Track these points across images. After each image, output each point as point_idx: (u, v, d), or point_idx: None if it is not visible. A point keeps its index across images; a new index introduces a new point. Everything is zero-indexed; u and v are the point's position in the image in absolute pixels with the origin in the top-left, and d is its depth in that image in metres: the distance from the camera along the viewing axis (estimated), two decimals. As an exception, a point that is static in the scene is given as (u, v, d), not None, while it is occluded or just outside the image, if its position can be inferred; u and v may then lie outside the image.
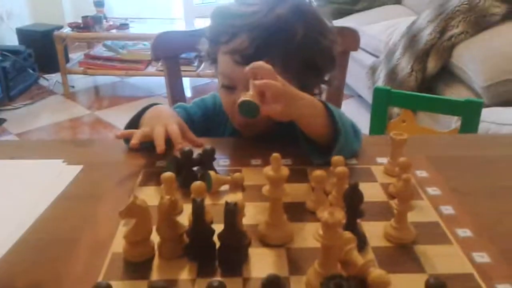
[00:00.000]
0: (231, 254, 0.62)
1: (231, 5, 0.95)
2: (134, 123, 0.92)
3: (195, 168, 0.81)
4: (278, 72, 0.87)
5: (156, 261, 0.63)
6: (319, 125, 0.83)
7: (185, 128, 0.86)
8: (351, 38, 1.27)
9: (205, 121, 1.04)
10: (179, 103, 1.11)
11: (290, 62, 0.89)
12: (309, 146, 0.85)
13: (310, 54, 0.91)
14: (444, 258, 0.63)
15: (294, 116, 0.81)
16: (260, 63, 0.78)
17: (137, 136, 0.83)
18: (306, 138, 0.85)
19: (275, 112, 0.78)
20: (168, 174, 0.72)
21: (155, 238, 0.64)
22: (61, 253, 0.65)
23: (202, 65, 3.39)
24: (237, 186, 0.79)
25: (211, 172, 0.77)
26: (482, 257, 0.63)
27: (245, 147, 0.95)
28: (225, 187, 0.79)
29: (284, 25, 0.88)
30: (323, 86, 1.02)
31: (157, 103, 0.96)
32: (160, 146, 0.80)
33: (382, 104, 1.55)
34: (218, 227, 0.62)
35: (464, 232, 0.68)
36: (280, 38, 0.87)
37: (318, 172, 0.71)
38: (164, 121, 0.84)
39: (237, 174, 0.78)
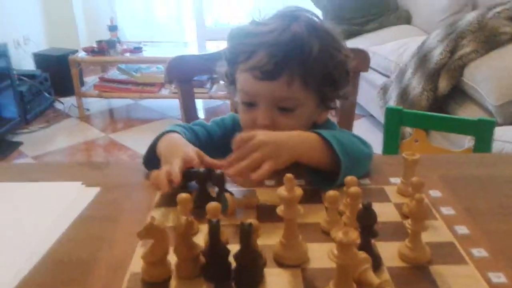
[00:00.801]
0: (247, 274, 0.62)
1: (247, 26, 0.98)
2: (150, 153, 0.94)
3: (212, 189, 0.82)
4: (297, 87, 0.92)
5: (173, 281, 0.64)
6: (318, 158, 0.85)
7: (201, 153, 0.87)
8: (361, 59, 1.28)
9: (224, 140, 1.06)
10: (199, 120, 1.12)
11: (308, 77, 0.92)
12: (314, 175, 0.87)
13: (327, 68, 0.94)
14: (460, 279, 0.63)
15: (291, 158, 0.83)
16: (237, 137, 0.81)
17: (164, 184, 0.81)
18: (312, 168, 0.87)
19: (271, 166, 0.79)
20: (184, 195, 0.74)
21: (172, 258, 0.65)
22: (80, 274, 0.66)
23: (214, 87, 3.43)
24: (252, 207, 0.80)
25: (227, 195, 0.78)
26: (498, 278, 0.62)
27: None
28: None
29: (300, 42, 0.90)
30: (338, 101, 1.03)
31: (169, 130, 0.96)
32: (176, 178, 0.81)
33: (394, 124, 1.56)
34: (234, 248, 0.63)
35: (479, 252, 0.68)
36: (297, 54, 0.90)
37: (332, 193, 0.72)
38: (179, 154, 0.85)
39: (251, 196, 0.79)
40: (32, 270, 0.68)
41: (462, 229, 0.73)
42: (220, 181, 0.81)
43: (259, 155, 0.79)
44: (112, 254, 0.70)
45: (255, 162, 0.79)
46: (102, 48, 3.56)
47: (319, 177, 0.86)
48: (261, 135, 0.81)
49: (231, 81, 1.03)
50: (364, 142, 0.95)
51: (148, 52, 3.68)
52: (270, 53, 0.91)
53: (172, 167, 0.81)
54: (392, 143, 1.57)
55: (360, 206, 0.64)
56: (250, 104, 0.97)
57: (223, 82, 1.10)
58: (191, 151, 0.86)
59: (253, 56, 0.93)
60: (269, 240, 0.69)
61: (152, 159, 0.93)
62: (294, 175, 0.65)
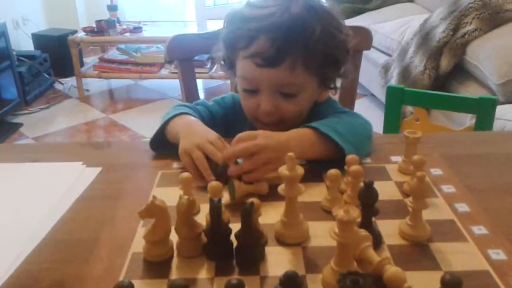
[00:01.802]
0: (248, 253, 0.63)
1: (244, 9, 0.95)
2: (159, 136, 0.93)
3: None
4: (300, 71, 0.90)
5: (175, 260, 0.64)
6: (319, 152, 0.85)
7: (222, 141, 0.85)
8: (364, 37, 1.27)
9: (226, 119, 1.05)
10: (200, 100, 1.11)
11: (311, 59, 0.90)
12: (320, 165, 0.85)
13: (328, 49, 0.92)
14: (459, 256, 0.63)
15: (298, 156, 0.81)
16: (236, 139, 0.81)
17: (195, 176, 0.81)
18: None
19: (272, 170, 0.78)
20: (185, 175, 0.74)
21: (174, 237, 0.65)
22: (82, 253, 0.67)
23: (215, 67, 3.41)
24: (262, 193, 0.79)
25: (235, 181, 0.77)
26: (497, 254, 0.63)
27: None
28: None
29: (301, 24, 0.88)
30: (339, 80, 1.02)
31: (182, 112, 0.94)
32: (208, 176, 0.80)
33: (395, 103, 1.55)
34: (235, 227, 0.63)
35: (479, 230, 0.68)
36: (299, 36, 0.88)
37: (333, 171, 0.72)
38: (201, 141, 0.84)
39: (261, 185, 0.78)
40: (34, 250, 0.68)
41: (462, 207, 0.73)
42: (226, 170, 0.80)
43: (261, 159, 0.79)
44: (114, 234, 0.71)
45: (257, 165, 0.79)
46: (102, 28, 3.52)
47: (324, 165, 0.85)
48: (262, 138, 0.80)
49: (230, 65, 1.01)
50: (364, 122, 0.94)
51: (147, 32, 3.65)
52: (271, 39, 0.88)
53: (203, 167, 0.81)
54: (393, 122, 1.57)
55: (362, 184, 0.64)
56: (251, 91, 0.95)
57: (222, 68, 1.07)
58: (214, 137, 0.84)
59: (254, 42, 0.90)
60: (270, 218, 0.69)
61: (160, 141, 0.93)
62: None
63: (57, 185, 0.85)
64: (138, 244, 0.67)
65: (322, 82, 0.97)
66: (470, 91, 2.39)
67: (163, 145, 0.93)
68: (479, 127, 1.42)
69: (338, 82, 1.02)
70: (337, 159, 0.82)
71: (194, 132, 0.87)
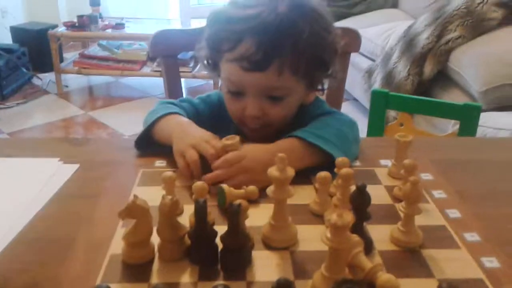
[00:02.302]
0: (234, 256, 0.60)
1: (228, 9, 0.90)
2: (145, 135, 0.90)
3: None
4: (287, 75, 0.86)
5: (156, 264, 0.61)
6: (308, 162, 0.82)
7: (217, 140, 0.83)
8: (352, 39, 1.26)
9: (212, 118, 1.02)
10: (185, 97, 1.07)
11: (299, 62, 0.86)
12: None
13: (317, 51, 0.88)
14: (452, 263, 0.61)
15: None
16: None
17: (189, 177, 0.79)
18: None
19: (264, 182, 0.73)
20: (168, 174, 0.71)
21: (155, 239, 0.62)
22: (57, 254, 0.63)
23: (198, 66, 3.37)
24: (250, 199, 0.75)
25: (225, 186, 0.73)
26: (491, 262, 0.61)
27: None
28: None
29: (289, 25, 0.84)
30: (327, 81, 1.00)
31: (172, 112, 0.91)
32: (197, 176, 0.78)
33: (380, 107, 1.54)
34: (221, 229, 0.60)
35: (472, 236, 0.66)
36: (287, 39, 0.84)
37: (323, 174, 0.69)
38: (196, 141, 0.81)
39: (250, 187, 0.75)
40: (5, 249, 0.64)
41: (454, 213, 0.72)
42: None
43: (245, 179, 0.76)
44: (91, 234, 0.67)
45: (242, 184, 0.76)
46: (83, 23, 3.45)
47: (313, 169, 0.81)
48: (248, 161, 0.77)
49: (213, 66, 0.97)
50: (351, 124, 0.92)
51: (130, 29, 3.58)
52: (257, 41, 0.84)
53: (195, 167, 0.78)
54: (377, 127, 1.55)
55: (352, 187, 0.61)
56: (237, 94, 0.91)
57: (205, 68, 1.02)
58: (209, 137, 0.82)
59: (239, 45, 0.85)
60: (257, 221, 0.66)
61: (147, 141, 0.90)
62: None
63: (31, 182, 0.81)
64: (117, 246, 0.63)
65: (309, 84, 0.94)
66: (453, 97, 2.41)
67: (149, 145, 0.90)
68: (463, 134, 1.41)
69: (326, 83, 1.00)
70: (326, 164, 0.80)
71: (188, 133, 0.83)
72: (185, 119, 0.89)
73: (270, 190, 0.63)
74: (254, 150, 0.80)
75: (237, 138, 0.79)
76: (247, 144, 0.81)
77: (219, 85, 1.04)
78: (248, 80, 0.87)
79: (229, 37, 0.87)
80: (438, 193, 0.77)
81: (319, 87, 0.98)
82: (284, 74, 0.86)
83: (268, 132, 0.93)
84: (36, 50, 3.65)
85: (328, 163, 0.79)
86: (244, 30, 0.85)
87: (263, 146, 0.81)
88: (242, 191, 0.74)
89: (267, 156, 0.77)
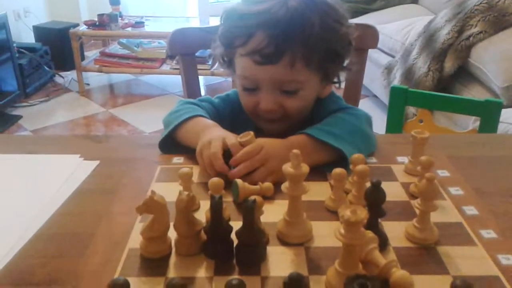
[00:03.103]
0: (249, 252, 0.61)
1: (240, 5, 0.92)
2: (169, 137, 0.91)
3: None
4: (300, 67, 0.87)
5: (173, 258, 0.62)
6: (318, 159, 0.82)
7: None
8: (370, 35, 1.25)
9: (232, 117, 1.02)
10: (205, 96, 1.08)
11: (312, 55, 0.87)
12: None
13: (330, 43, 0.88)
14: (468, 260, 0.61)
15: None
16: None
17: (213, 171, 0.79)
18: None
19: (274, 180, 0.76)
20: (185, 170, 0.72)
21: (172, 234, 0.63)
22: (77, 248, 0.65)
23: (216, 64, 3.39)
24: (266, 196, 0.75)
25: (238, 181, 0.74)
26: (508, 260, 0.61)
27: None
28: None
29: (300, 18, 0.85)
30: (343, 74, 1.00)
31: (197, 115, 0.91)
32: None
33: (399, 104, 1.53)
34: (236, 225, 0.61)
35: (489, 233, 0.66)
36: (299, 32, 0.85)
37: (338, 170, 0.70)
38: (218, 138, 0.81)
39: (266, 184, 0.75)
40: (28, 243, 0.66)
41: (470, 210, 0.71)
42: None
43: (265, 171, 0.77)
44: (110, 229, 0.69)
45: (262, 176, 0.77)
46: (103, 22, 3.50)
47: (327, 167, 0.82)
48: (266, 151, 0.78)
49: (228, 64, 0.98)
50: (365, 120, 0.93)
51: (150, 27, 3.62)
52: (269, 35, 0.85)
53: (216, 160, 0.78)
54: (396, 123, 1.54)
55: (369, 183, 0.62)
56: (251, 89, 0.92)
57: (221, 66, 1.03)
58: (232, 137, 0.82)
59: (251, 39, 0.86)
60: (272, 217, 0.67)
61: (171, 143, 0.90)
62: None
63: (53, 178, 0.83)
64: (135, 240, 0.64)
65: (324, 77, 0.94)
66: (474, 93, 2.37)
67: (173, 146, 0.91)
68: (483, 130, 1.40)
69: (342, 76, 0.99)
70: (340, 161, 0.80)
71: (212, 134, 0.83)
72: (210, 122, 0.89)
73: (284, 186, 0.64)
74: (270, 143, 0.81)
75: (251, 134, 0.80)
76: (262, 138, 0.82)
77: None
78: (261, 74, 0.88)
79: (241, 32, 0.88)
80: (455, 190, 0.76)
81: (335, 79, 0.98)
82: (296, 67, 0.86)
83: (285, 125, 0.93)
84: (58, 49, 3.72)
85: (341, 161, 0.79)
86: (255, 24, 0.86)
87: (277, 140, 0.82)
88: (257, 187, 0.75)
89: (283, 150, 0.79)
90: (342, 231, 0.53)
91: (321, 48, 0.87)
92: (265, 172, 0.77)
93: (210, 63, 3.36)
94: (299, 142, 0.83)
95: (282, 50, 0.85)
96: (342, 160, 0.80)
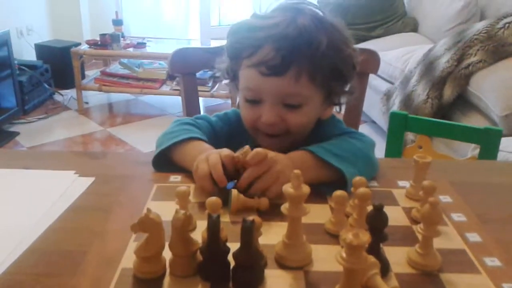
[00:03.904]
0: (246, 274, 0.59)
1: (250, 20, 0.93)
2: (162, 155, 0.90)
3: None
4: (305, 82, 0.88)
5: (167, 279, 0.60)
6: (317, 176, 0.82)
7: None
8: (371, 60, 1.25)
9: (229, 135, 1.02)
10: (202, 114, 1.08)
11: (316, 72, 0.87)
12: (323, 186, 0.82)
13: (335, 62, 0.89)
14: (472, 288, 0.59)
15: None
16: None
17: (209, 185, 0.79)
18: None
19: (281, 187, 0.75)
20: (182, 189, 0.70)
21: (167, 254, 0.61)
22: (69, 266, 0.63)
23: (217, 86, 3.39)
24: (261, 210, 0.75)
25: (234, 191, 0.73)
26: (513, 289, 0.59)
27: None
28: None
29: (308, 35, 0.86)
30: (344, 98, 0.99)
31: (194, 137, 0.90)
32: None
33: (398, 129, 1.53)
34: (233, 246, 0.59)
35: (492, 261, 0.64)
36: (305, 48, 0.86)
37: (339, 193, 0.68)
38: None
39: (263, 199, 0.75)
40: (19, 259, 0.64)
41: (473, 237, 0.70)
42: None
43: (271, 175, 0.77)
44: (103, 248, 0.67)
45: (268, 182, 0.77)
46: (105, 42, 3.52)
47: (326, 188, 0.81)
48: (279, 164, 0.78)
49: (233, 77, 0.99)
50: (368, 144, 0.92)
51: (151, 48, 3.64)
52: (276, 47, 0.86)
53: (216, 172, 0.77)
54: (395, 149, 1.53)
55: (371, 207, 0.60)
56: (254, 102, 0.92)
57: (224, 79, 1.04)
58: (227, 151, 0.81)
59: (259, 51, 0.88)
60: (271, 239, 0.65)
61: (164, 161, 0.89)
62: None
63: (47, 194, 0.81)
64: (128, 260, 0.62)
65: (327, 97, 0.94)
66: (473, 122, 2.38)
67: (166, 165, 0.90)
68: (483, 158, 1.38)
69: (344, 100, 0.99)
70: (339, 182, 0.79)
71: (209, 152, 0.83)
72: (208, 146, 0.88)
73: (284, 207, 0.62)
74: (277, 155, 0.80)
75: (247, 147, 0.79)
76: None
77: (237, 102, 1.04)
78: (265, 86, 0.88)
79: (250, 44, 0.89)
80: (457, 216, 0.75)
81: (337, 101, 0.98)
82: (301, 81, 0.87)
83: (285, 142, 0.92)
84: (59, 67, 3.73)
85: (341, 183, 0.78)
86: (264, 37, 0.87)
87: (279, 153, 0.82)
88: (253, 200, 0.74)
89: (290, 162, 0.80)
90: (344, 254, 0.51)
91: (326, 65, 0.88)
92: (271, 178, 0.77)
93: (210, 85, 3.37)
94: (300, 157, 0.83)
95: (289, 63, 0.85)
96: (341, 181, 0.79)
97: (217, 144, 0.87)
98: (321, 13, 0.93)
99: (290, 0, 0.95)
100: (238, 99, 1.04)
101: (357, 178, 0.72)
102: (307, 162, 0.83)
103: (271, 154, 0.79)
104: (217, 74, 1.06)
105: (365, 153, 0.88)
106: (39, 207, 0.77)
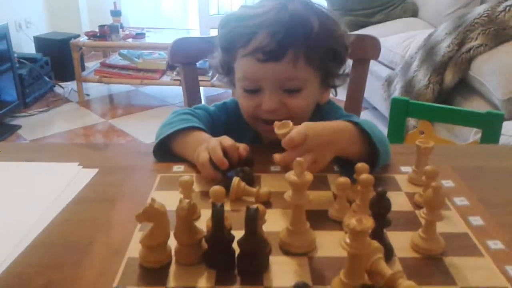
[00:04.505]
0: (251, 261, 0.59)
1: (238, 11, 0.94)
2: (162, 145, 0.89)
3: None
4: (302, 65, 0.88)
5: (173, 268, 0.61)
6: (357, 150, 0.80)
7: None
8: (372, 46, 1.24)
9: (227, 125, 1.02)
10: (201, 104, 1.08)
11: (312, 54, 0.88)
12: (344, 169, 0.82)
13: (329, 42, 0.90)
14: (476, 271, 0.59)
15: (334, 154, 0.78)
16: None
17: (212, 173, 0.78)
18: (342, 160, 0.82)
19: (324, 163, 0.75)
20: (186, 178, 0.71)
21: (172, 243, 0.62)
22: (75, 257, 0.63)
23: (217, 75, 3.38)
24: (261, 201, 0.74)
25: (235, 180, 0.73)
26: (516, 271, 0.59)
27: (265, 153, 0.91)
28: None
29: (300, 19, 0.87)
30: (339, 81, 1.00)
31: (193, 126, 0.89)
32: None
33: (400, 115, 1.52)
34: (238, 234, 0.60)
35: (495, 244, 0.64)
36: (299, 31, 0.86)
37: (342, 179, 0.68)
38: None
39: (264, 189, 0.75)
40: (24, 251, 0.64)
41: (476, 220, 0.70)
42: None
43: (309, 158, 0.72)
44: (109, 238, 0.67)
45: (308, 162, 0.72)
46: (104, 33, 3.50)
47: (347, 168, 0.78)
48: (313, 138, 0.73)
49: (227, 71, 0.98)
50: (388, 147, 0.92)
51: (150, 39, 3.63)
52: (271, 32, 0.86)
53: (215, 154, 0.77)
54: (397, 135, 1.53)
55: (374, 193, 0.60)
56: (252, 91, 0.92)
57: (218, 74, 1.04)
58: (229, 140, 0.81)
59: (254, 38, 0.88)
60: (275, 226, 0.66)
61: (164, 151, 0.89)
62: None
63: (51, 186, 0.82)
64: (134, 249, 0.63)
65: (324, 80, 0.95)
66: (474, 106, 2.37)
67: (167, 155, 0.90)
68: (485, 142, 1.39)
69: (341, 83, 0.99)
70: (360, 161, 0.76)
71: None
72: (207, 136, 0.87)
73: (288, 195, 0.62)
74: (314, 128, 0.75)
75: (290, 124, 0.75)
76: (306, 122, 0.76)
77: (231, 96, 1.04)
78: (264, 72, 0.88)
79: (243, 32, 0.89)
80: (460, 200, 0.75)
81: (333, 83, 0.98)
82: (299, 64, 0.88)
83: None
84: (58, 59, 3.73)
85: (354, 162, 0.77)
86: (257, 24, 0.88)
87: (320, 123, 0.78)
88: (253, 190, 0.75)
89: (327, 133, 0.76)
90: (348, 240, 0.51)
91: (321, 46, 0.89)
92: (309, 160, 0.71)
93: (210, 74, 3.37)
94: (342, 126, 0.80)
95: (285, 47, 0.86)
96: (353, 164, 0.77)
97: (216, 134, 0.87)
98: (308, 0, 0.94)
99: None
100: (233, 93, 1.03)
101: (360, 165, 0.72)
102: (348, 132, 0.79)
103: (312, 131, 0.73)
104: (212, 67, 1.06)
105: (385, 137, 0.88)
106: (44, 200, 0.77)
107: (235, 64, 0.95)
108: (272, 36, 0.86)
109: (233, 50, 0.92)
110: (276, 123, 0.75)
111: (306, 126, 0.74)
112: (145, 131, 3.01)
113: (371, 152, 0.80)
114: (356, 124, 0.81)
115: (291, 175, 0.61)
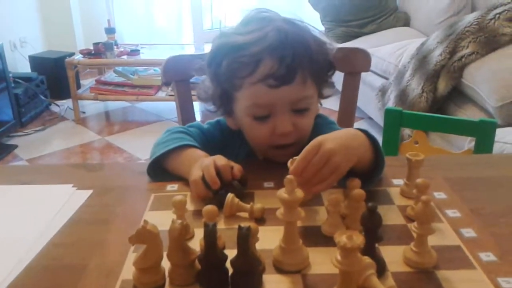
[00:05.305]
0: (244, 281, 0.59)
1: (231, 39, 0.90)
2: (156, 163, 0.90)
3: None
4: (309, 83, 0.89)
5: (167, 289, 0.61)
6: (368, 159, 0.79)
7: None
8: (362, 59, 1.26)
9: (222, 142, 1.02)
10: (195, 122, 1.08)
11: (315, 70, 0.90)
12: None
13: (325, 56, 0.93)
14: (468, 284, 0.60)
15: (354, 162, 0.74)
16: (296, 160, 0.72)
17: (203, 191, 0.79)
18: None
19: (337, 178, 0.73)
20: (179, 198, 0.71)
21: (165, 264, 0.62)
22: (70, 280, 0.63)
23: (205, 106, 3.39)
24: (255, 217, 0.75)
25: (230, 196, 0.74)
26: (508, 283, 0.60)
27: (258, 170, 0.92)
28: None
29: (298, 39, 0.88)
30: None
31: (187, 144, 0.90)
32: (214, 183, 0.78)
33: (394, 125, 1.53)
34: (231, 253, 0.60)
35: (488, 256, 0.65)
36: (302, 50, 0.87)
37: (333, 196, 0.69)
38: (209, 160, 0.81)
39: (258, 206, 0.75)
40: (20, 275, 0.65)
41: (468, 232, 0.70)
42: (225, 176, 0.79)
43: (329, 168, 0.71)
44: (103, 260, 0.67)
45: (325, 175, 0.71)
46: (99, 50, 3.52)
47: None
48: (329, 142, 0.72)
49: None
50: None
51: (145, 55, 3.65)
52: (278, 57, 0.85)
53: (208, 173, 0.78)
54: (391, 145, 1.54)
55: (365, 208, 0.61)
56: (262, 118, 0.90)
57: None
58: (223, 160, 0.82)
59: (260, 65, 0.86)
60: (268, 244, 0.66)
61: (159, 170, 0.90)
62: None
63: (45, 209, 0.82)
64: (128, 271, 0.63)
65: (320, 91, 0.97)
66: (468, 114, 2.38)
67: (162, 174, 0.90)
68: (479, 150, 1.39)
69: (328, 92, 1.00)
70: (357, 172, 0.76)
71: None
72: (202, 153, 0.87)
73: (279, 212, 0.63)
74: (327, 135, 0.74)
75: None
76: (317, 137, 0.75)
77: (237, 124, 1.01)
78: (276, 97, 0.88)
79: (247, 61, 0.87)
80: (452, 212, 0.76)
81: (325, 94, 0.99)
82: (307, 83, 0.89)
83: (296, 150, 0.89)
84: (54, 78, 3.74)
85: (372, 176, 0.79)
86: (260, 51, 0.87)
87: (334, 132, 0.77)
88: (247, 206, 0.75)
89: (344, 138, 0.75)
90: (339, 257, 0.52)
91: (320, 60, 0.91)
92: (328, 171, 0.71)
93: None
94: (358, 133, 0.79)
95: (294, 70, 0.87)
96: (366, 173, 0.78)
97: (211, 152, 0.87)
98: (280, 15, 0.94)
99: (250, 11, 0.94)
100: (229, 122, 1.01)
101: (351, 179, 0.72)
102: (359, 138, 0.78)
103: (327, 146, 0.71)
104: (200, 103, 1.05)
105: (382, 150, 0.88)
106: (39, 223, 0.77)
107: (238, 94, 0.92)
108: (279, 61, 0.85)
109: (237, 80, 0.90)
110: (290, 161, 0.74)
111: (320, 138, 0.73)
112: (142, 147, 3.01)
113: (375, 161, 0.80)
114: (364, 131, 0.80)
115: (282, 193, 0.62)
